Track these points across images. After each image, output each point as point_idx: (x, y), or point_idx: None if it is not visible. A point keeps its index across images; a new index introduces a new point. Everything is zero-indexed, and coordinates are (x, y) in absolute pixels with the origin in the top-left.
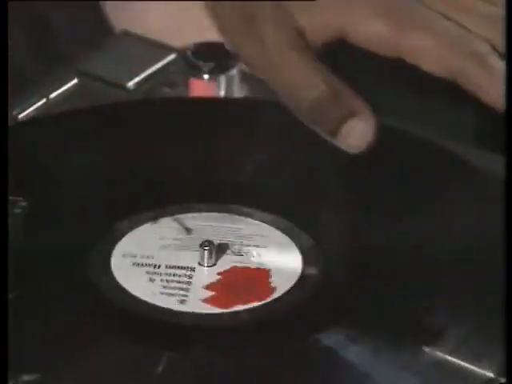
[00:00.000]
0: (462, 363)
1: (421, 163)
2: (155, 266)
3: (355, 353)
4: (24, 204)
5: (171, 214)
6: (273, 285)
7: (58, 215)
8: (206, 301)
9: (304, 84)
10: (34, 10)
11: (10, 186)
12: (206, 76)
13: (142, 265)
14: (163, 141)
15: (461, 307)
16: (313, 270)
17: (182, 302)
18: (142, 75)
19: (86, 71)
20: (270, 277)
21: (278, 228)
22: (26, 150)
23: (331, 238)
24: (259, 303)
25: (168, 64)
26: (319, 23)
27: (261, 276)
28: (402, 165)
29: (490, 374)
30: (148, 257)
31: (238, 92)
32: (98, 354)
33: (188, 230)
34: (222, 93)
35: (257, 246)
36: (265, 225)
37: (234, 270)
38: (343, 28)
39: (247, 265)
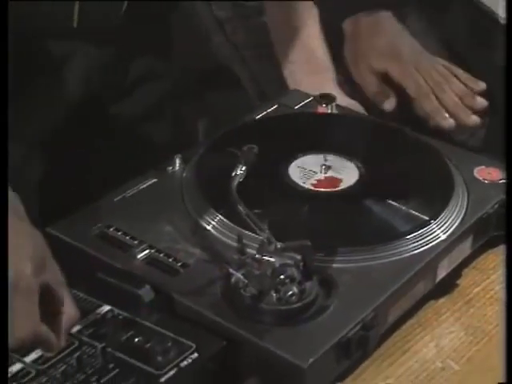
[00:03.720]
0: (414, 212)
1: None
2: (304, 169)
3: (376, 206)
4: (256, 148)
5: (323, 153)
6: (341, 184)
7: (285, 158)
8: (312, 185)
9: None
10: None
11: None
12: (324, 105)
13: (300, 167)
14: (308, 128)
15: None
16: (360, 182)
17: (304, 183)
18: (301, 105)
19: (279, 102)
20: (341, 182)
21: (353, 163)
22: (258, 133)
23: (368, 170)
24: (333, 189)
25: (310, 101)
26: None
27: (337, 180)
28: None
29: (426, 218)
30: (304, 165)
31: (335, 111)
32: (278, 204)
33: (326, 160)
34: (329, 111)
35: (342, 170)
36: (348, 161)
37: (329, 176)
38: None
39: (334, 176)
